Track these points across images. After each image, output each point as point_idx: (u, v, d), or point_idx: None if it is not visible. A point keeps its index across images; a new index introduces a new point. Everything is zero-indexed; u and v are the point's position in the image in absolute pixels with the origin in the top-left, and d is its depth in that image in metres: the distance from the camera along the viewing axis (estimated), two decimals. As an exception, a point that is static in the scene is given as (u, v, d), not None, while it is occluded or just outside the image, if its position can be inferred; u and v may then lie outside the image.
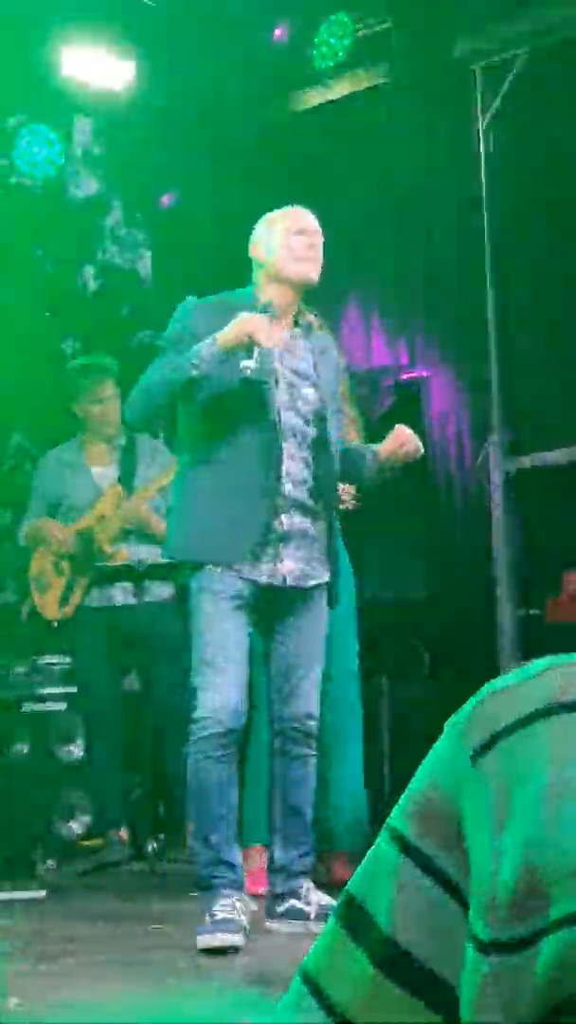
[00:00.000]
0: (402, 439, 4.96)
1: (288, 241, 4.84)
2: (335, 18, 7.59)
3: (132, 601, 6.45)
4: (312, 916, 4.68)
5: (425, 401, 7.83)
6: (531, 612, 7.32)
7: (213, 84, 8.00)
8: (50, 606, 6.74)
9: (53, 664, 7.06)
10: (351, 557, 5.83)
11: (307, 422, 4.81)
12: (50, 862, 6.48)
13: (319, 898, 4.73)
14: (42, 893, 5.71)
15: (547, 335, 7.38)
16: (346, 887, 0.92)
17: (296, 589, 4.78)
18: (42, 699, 7.03)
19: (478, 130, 7.53)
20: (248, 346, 4.54)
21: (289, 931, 4.60)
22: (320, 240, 4.91)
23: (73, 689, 6.99)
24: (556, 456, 7.31)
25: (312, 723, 4.83)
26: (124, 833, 6.68)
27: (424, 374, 8.04)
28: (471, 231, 7.58)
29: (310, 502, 4.79)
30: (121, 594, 6.63)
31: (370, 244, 8.28)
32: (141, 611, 6.29)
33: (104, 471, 6.81)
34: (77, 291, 14.90)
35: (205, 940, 4.40)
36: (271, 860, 4.84)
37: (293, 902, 4.73)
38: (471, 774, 0.87)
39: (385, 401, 7.99)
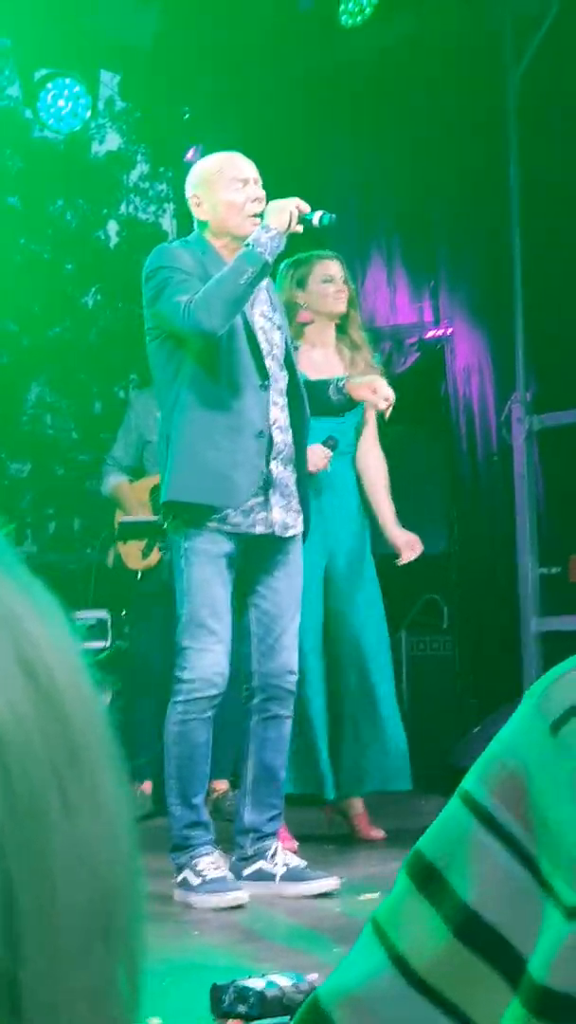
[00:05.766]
0: (376, 387, 4.97)
1: (233, 197, 4.71)
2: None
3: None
4: (279, 877, 4.66)
5: (449, 358, 7.82)
6: (552, 570, 7.32)
7: (238, 37, 7.95)
8: (133, 556, 6.74)
9: (86, 619, 7.08)
10: (369, 511, 5.84)
11: (280, 367, 4.77)
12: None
13: (286, 859, 4.71)
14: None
15: (574, 292, 7.35)
16: (416, 845, 0.94)
17: (280, 539, 4.74)
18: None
19: (508, 85, 7.47)
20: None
21: (255, 893, 4.54)
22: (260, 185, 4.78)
23: (102, 644, 7.01)
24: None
25: (293, 679, 4.79)
26: (147, 787, 6.72)
27: (448, 331, 8.02)
28: (498, 187, 7.54)
29: (290, 450, 4.76)
30: None
31: (395, 200, 8.24)
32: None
33: None
34: (100, 245, 14.90)
35: (211, 900, 4.42)
36: (239, 820, 4.81)
37: (261, 864, 4.70)
38: (550, 743, 0.88)
39: (409, 358, 7.98)
